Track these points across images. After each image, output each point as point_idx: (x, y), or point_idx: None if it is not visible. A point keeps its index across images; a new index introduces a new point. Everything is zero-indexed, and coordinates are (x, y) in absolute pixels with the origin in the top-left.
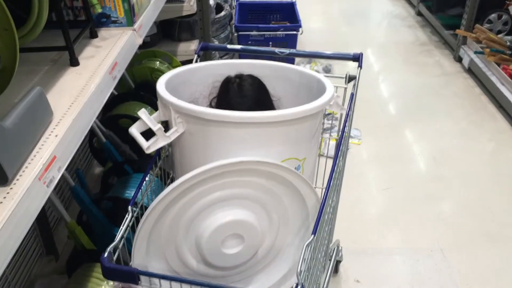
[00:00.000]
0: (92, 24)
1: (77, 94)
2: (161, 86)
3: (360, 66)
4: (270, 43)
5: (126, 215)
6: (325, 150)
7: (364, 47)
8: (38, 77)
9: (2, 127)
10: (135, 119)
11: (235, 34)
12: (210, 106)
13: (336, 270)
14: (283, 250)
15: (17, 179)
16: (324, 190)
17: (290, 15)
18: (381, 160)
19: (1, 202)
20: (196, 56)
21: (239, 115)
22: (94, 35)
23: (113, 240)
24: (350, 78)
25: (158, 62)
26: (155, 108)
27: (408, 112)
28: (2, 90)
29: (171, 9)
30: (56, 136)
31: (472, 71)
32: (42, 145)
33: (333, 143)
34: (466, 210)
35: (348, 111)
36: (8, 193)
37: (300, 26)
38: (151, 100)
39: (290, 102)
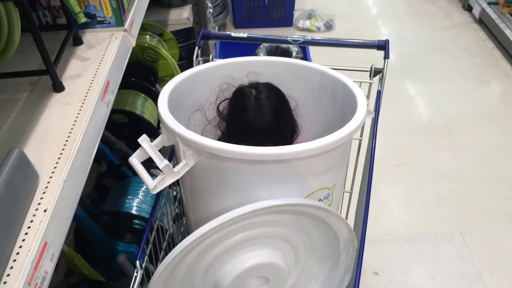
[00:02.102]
0: (75, 30)
1: (65, 138)
2: (163, 106)
3: (387, 56)
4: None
5: (135, 272)
6: None
7: None
8: (15, 113)
9: None
10: (129, 113)
11: None
12: (218, 111)
13: None
14: (310, 280)
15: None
16: (350, 194)
17: None
18: (391, 132)
19: None
20: (196, 48)
21: (262, 153)
22: (78, 42)
23: (114, 255)
24: (376, 72)
25: (148, 37)
26: (149, 95)
27: (415, 73)
28: None
29: None
30: (45, 211)
31: (483, 22)
32: (29, 227)
33: None
34: (484, 186)
35: (377, 114)
36: None
37: None
38: (144, 87)
39: (310, 107)
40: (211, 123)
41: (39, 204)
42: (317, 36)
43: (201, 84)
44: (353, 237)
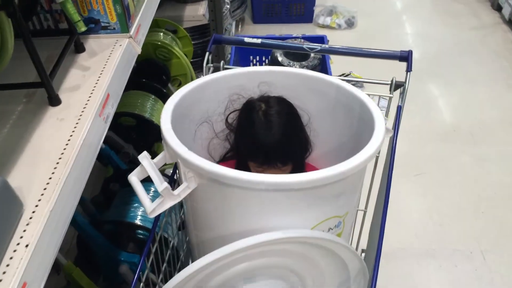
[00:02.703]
0: (77, 37)
1: (57, 159)
2: (166, 123)
3: (409, 69)
4: None
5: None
6: None
7: None
8: (8, 128)
9: None
10: (138, 117)
11: None
12: (227, 122)
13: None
14: None
15: None
16: (364, 212)
17: None
18: (411, 139)
19: None
20: (207, 54)
21: (267, 181)
22: (80, 49)
23: (117, 265)
24: (397, 86)
25: (161, 34)
26: (159, 97)
27: (439, 75)
28: None
29: None
30: (27, 246)
31: None
32: (8, 265)
33: None
34: (508, 200)
35: (396, 132)
36: None
37: None
38: (155, 88)
39: (324, 122)
40: (219, 136)
41: (21, 237)
42: (338, 34)
43: (209, 95)
44: (365, 269)
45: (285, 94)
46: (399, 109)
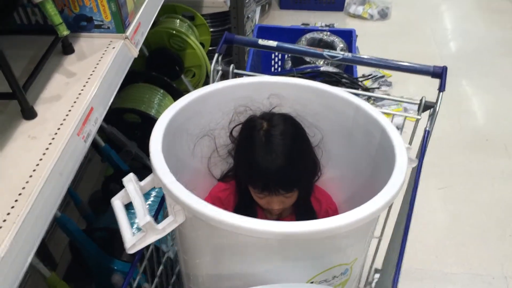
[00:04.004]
0: (60, 40)
1: (20, 189)
2: (155, 144)
3: (442, 88)
4: None
5: None
6: None
7: None
8: None
9: None
10: (143, 114)
11: None
12: (231, 136)
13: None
14: None
15: None
16: (379, 240)
17: None
18: (438, 147)
19: None
20: (216, 55)
21: (267, 230)
22: (68, 51)
23: (110, 273)
24: (427, 107)
25: (178, 21)
26: (169, 91)
27: (476, 77)
28: None
29: None
30: None
31: None
32: None
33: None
34: None
35: (421, 161)
36: None
37: None
38: (165, 83)
39: (339, 144)
40: (221, 151)
41: None
42: (369, 25)
43: (211, 106)
44: None
45: (297, 109)
46: (427, 134)
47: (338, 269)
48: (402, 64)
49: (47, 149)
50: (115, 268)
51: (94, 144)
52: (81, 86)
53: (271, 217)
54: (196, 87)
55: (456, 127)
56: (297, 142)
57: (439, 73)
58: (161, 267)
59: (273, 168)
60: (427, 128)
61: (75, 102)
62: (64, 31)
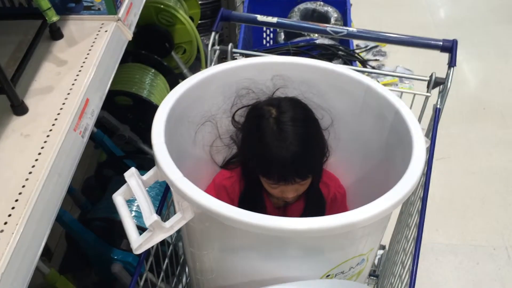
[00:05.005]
0: (48, 25)
1: (16, 195)
2: (158, 136)
3: (452, 63)
4: None
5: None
6: None
7: None
8: None
9: None
10: (135, 96)
11: None
12: (234, 121)
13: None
14: None
15: None
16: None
17: None
18: None
19: None
20: (213, 34)
21: (282, 227)
22: (56, 36)
23: (109, 263)
24: (437, 83)
25: None
26: (160, 70)
27: (470, 46)
28: None
29: None
30: None
31: None
32: None
33: None
34: None
35: (433, 141)
36: None
37: None
38: (155, 61)
39: (348, 126)
40: (223, 137)
41: None
42: None
43: (212, 91)
44: None
45: (303, 90)
46: (438, 112)
47: (355, 260)
48: (409, 38)
49: (42, 148)
50: (115, 257)
51: None
52: (74, 75)
53: (278, 203)
54: (187, 63)
55: (453, 97)
56: (309, 126)
57: (449, 47)
58: (166, 260)
59: (289, 157)
60: (438, 106)
61: (68, 93)
62: (54, 17)
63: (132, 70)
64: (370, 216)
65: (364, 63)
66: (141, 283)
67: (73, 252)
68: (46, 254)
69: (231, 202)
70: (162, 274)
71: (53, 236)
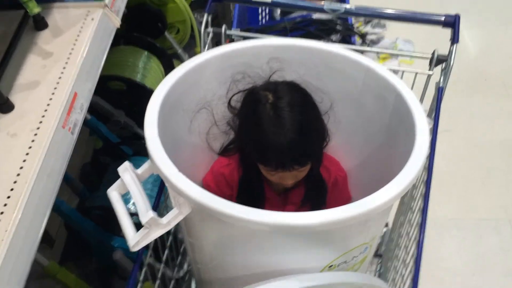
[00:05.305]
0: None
1: (4, 199)
2: (150, 129)
3: (455, 39)
4: None
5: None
6: None
7: None
8: None
9: None
10: (128, 81)
11: None
12: (230, 106)
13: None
14: None
15: None
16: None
17: None
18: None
19: None
20: (206, 15)
21: (284, 223)
22: (40, 26)
23: (110, 250)
24: (439, 61)
25: None
26: (153, 52)
27: (469, 12)
28: None
29: None
30: None
31: None
32: None
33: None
34: None
35: (436, 122)
36: None
37: None
38: (148, 43)
39: (348, 109)
40: (219, 124)
41: None
42: None
43: (206, 77)
44: None
45: (301, 72)
46: (440, 91)
47: (358, 249)
48: (410, 15)
49: (30, 147)
50: (115, 245)
51: None
52: (61, 68)
53: (278, 188)
54: (181, 43)
55: (454, 67)
56: (307, 111)
57: (451, 23)
58: (166, 251)
59: (287, 144)
60: (441, 85)
61: (55, 88)
62: (35, 8)
63: (125, 53)
64: (373, 208)
65: (363, 36)
66: (143, 272)
67: (73, 240)
68: (48, 241)
69: (231, 190)
70: (162, 263)
71: (54, 223)
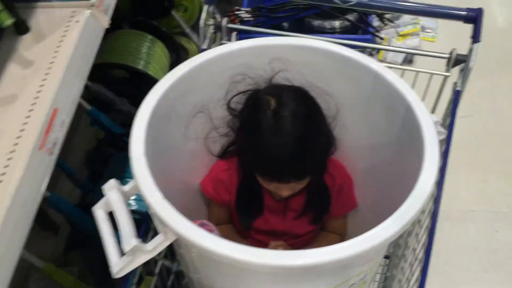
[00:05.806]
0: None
1: None
2: (136, 148)
3: (476, 37)
4: None
5: None
6: (387, 55)
7: None
8: None
9: None
10: (131, 69)
11: None
12: (229, 108)
13: None
14: None
15: None
16: None
17: None
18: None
19: None
20: (205, 7)
21: (274, 264)
22: (22, 30)
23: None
24: (458, 61)
25: None
26: (157, 36)
27: None
28: None
29: None
30: None
31: None
32: None
33: (399, 43)
34: None
35: (450, 131)
36: None
37: None
38: (153, 28)
39: (355, 114)
40: (218, 127)
41: None
42: None
43: (203, 80)
44: None
45: (305, 73)
46: (457, 94)
47: (357, 277)
48: (428, 8)
49: (3, 174)
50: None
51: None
52: (41, 80)
53: (277, 197)
54: (189, 22)
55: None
56: (312, 124)
57: (473, 18)
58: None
59: (284, 156)
60: (458, 88)
61: (34, 104)
62: (7, 20)
63: (128, 38)
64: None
65: (381, 16)
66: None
67: (76, 231)
68: (52, 228)
69: (229, 195)
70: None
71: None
